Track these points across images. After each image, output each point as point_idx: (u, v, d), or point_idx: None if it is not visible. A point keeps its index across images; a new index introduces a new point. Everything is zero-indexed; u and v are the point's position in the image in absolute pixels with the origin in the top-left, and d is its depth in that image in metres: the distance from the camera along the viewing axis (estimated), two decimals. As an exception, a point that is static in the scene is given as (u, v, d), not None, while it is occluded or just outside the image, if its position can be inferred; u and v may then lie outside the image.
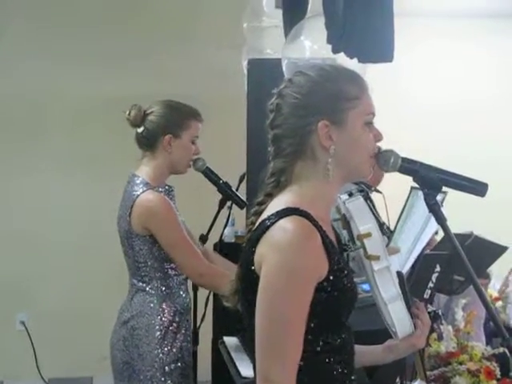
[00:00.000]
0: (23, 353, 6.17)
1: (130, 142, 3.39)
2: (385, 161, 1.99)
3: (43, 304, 6.20)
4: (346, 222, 2.03)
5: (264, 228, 1.85)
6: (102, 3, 6.31)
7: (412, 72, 6.66)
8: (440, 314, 3.24)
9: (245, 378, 3.15)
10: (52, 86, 6.22)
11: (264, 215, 1.90)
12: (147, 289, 3.28)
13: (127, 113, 3.34)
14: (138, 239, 3.24)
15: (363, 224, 1.99)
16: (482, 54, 6.88)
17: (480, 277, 3.56)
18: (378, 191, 3.49)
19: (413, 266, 2.78)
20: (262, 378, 1.81)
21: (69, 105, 6.27)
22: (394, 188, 3.25)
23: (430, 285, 2.76)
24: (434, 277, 2.76)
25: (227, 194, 3.70)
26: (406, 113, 6.61)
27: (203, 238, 3.74)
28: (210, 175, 3.67)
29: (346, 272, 1.89)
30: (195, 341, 3.70)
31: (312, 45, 3.86)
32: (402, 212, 3.09)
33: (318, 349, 1.87)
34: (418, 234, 2.79)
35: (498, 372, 3.02)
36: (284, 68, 3.85)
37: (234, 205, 3.85)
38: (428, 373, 2.57)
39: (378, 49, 3.16)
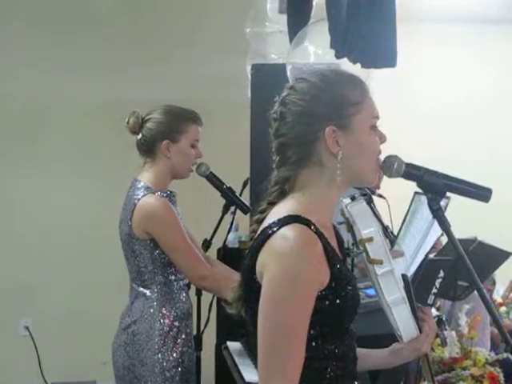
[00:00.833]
0: (27, 357, 6.18)
1: (132, 147, 3.40)
2: (388, 166, 1.99)
3: (47, 309, 6.20)
4: (349, 225, 2.03)
5: (265, 236, 1.85)
6: (105, 8, 6.31)
7: (416, 76, 6.66)
8: (444, 319, 3.24)
9: (248, 382, 3.15)
10: (54, 91, 6.22)
11: (265, 223, 1.90)
12: (147, 294, 3.27)
13: (126, 120, 3.35)
14: (138, 243, 3.24)
15: (365, 228, 1.98)
16: (486, 59, 6.88)
17: (483, 282, 3.56)
18: (381, 196, 3.48)
19: (416, 272, 2.77)
20: None
21: (71, 109, 6.27)
22: (398, 193, 3.25)
23: (434, 290, 2.75)
24: (438, 282, 2.76)
25: (231, 199, 3.71)
26: (410, 116, 6.61)
27: (207, 243, 3.74)
28: (213, 180, 3.68)
29: (348, 279, 1.89)
30: (199, 346, 3.71)
31: (316, 50, 3.86)
32: (405, 217, 3.09)
33: (321, 356, 1.87)
34: (421, 240, 2.79)
35: (501, 377, 3.01)
36: (288, 73, 3.84)
37: (237, 210, 3.85)
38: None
39: (381, 54, 3.16)
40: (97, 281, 6.14)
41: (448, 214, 2.00)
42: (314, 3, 4.16)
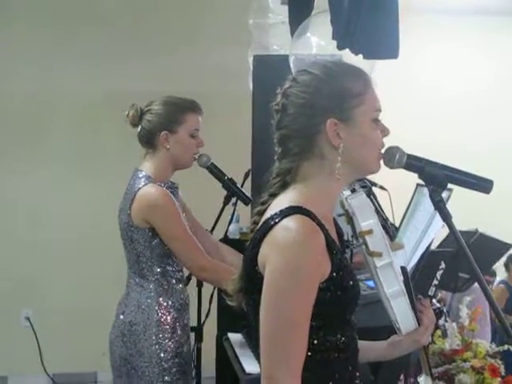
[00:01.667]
0: (28, 348, 6.19)
1: (134, 140, 3.39)
2: (390, 157, 1.99)
3: (48, 300, 6.22)
4: (349, 217, 2.03)
5: (267, 228, 1.84)
6: (107, 1, 6.31)
7: (418, 68, 6.65)
8: (445, 311, 3.24)
9: (249, 374, 3.15)
10: (56, 84, 6.24)
11: (267, 214, 1.89)
12: (144, 284, 3.27)
13: (126, 113, 3.35)
14: (137, 232, 3.23)
15: (365, 220, 1.98)
16: (489, 51, 6.87)
17: (485, 274, 3.55)
18: (383, 188, 3.48)
19: (418, 263, 2.77)
20: (266, 377, 1.80)
21: (72, 103, 6.29)
22: (399, 185, 3.24)
23: (435, 282, 2.75)
24: (439, 274, 2.76)
25: (232, 191, 3.70)
26: (413, 108, 6.61)
27: (208, 234, 3.74)
28: (214, 171, 3.67)
29: (348, 270, 1.89)
30: (199, 337, 3.71)
31: (319, 41, 3.85)
32: (407, 209, 3.08)
33: (323, 347, 1.87)
34: (423, 231, 2.78)
35: (502, 369, 3.02)
36: (291, 64, 3.84)
37: (238, 201, 3.85)
38: (432, 370, 2.56)
39: (383, 45, 3.15)
40: (97, 272, 6.15)
41: (449, 206, 2.00)
42: (316, -6, 4.16)
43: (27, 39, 6.22)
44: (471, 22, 6.70)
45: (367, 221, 1.98)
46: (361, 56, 3.22)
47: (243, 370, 3.21)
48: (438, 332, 3.05)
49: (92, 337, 5.75)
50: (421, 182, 2.05)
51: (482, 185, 2.02)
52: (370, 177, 2.97)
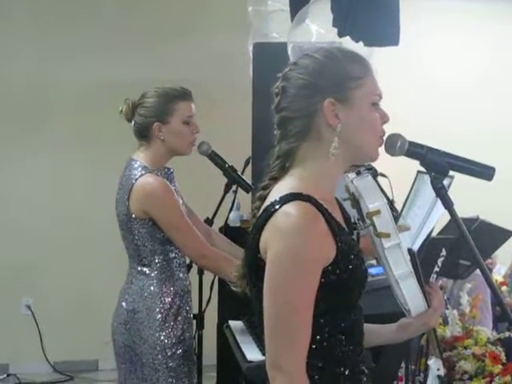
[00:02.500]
0: (29, 336, 6.20)
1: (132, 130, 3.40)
2: (391, 145, 1.99)
3: (49, 288, 6.23)
4: (355, 200, 2.02)
5: (268, 214, 1.84)
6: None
7: (420, 54, 6.64)
8: (445, 298, 3.24)
9: (250, 361, 3.15)
10: (54, 73, 6.22)
11: (268, 201, 1.89)
12: (147, 272, 3.27)
13: (119, 109, 3.35)
14: (136, 222, 3.24)
15: (372, 202, 1.98)
16: (496, 38, 6.84)
17: (485, 260, 3.56)
18: (383, 175, 3.47)
19: (419, 251, 2.77)
20: (272, 364, 1.81)
21: (71, 90, 6.26)
22: (399, 172, 3.24)
23: (436, 269, 2.75)
24: (440, 261, 2.76)
25: (233, 178, 3.70)
26: (415, 95, 6.59)
27: (208, 222, 3.74)
28: (215, 159, 3.67)
29: (354, 252, 1.88)
30: (200, 325, 3.71)
31: (318, 28, 3.85)
32: (407, 196, 3.08)
33: (330, 332, 1.87)
34: (424, 219, 2.78)
35: (503, 356, 3.03)
36: (289, 52, 3.84)
37: (239, 189, 3.85)
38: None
39: (384, 32, 3.15)
40: (98, 260, 6.15)
41: (450, 193, 2.00)
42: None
43: (27, 27, 6.20)
44: (475, 9, 6.67)
45: (374, 202, 1.98)
46: (361, 43, 3.22)
47: (244, 358, 3.21)
48: (439, 319, 3.05)
49: (93, 325, 5.78)
50: (422, 168, 2.05)
51: (484, 172, 2.02)
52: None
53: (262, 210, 1.90)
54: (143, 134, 3.32)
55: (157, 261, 3.26)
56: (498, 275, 5.42)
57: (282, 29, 4.72)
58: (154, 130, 3.27)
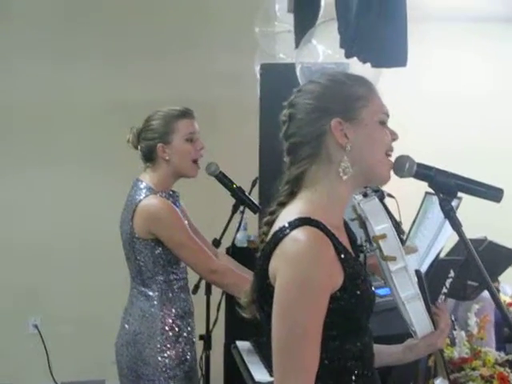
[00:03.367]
0: (36, 356, 6.19)
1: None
2: (400, 166, 1.99)
3: (56, 308, 6.21)
4: (362, 222, 2.03)
5: (276, 240, 1.84)
6: (112, 7, 6.32)
7: (427, 76, 6.66)
8: (452, 319, 3.23)
9: (258, 382, 3.15)
10: (59, 90, 6.22)
11: (276, 226, 1.89)
12: (148, 293, 3.29)
13: (127, 138, 3.41)
14: (139, 243, 3.25)
15: (378, 225, 1.98)
16: (496, 59, 6.87)
17: (493, 282, 3.55)
18: (390, 196, 3.48)
19: (427, 272, 2.77)
20: None
21: (75, 108, 6.27)
22: (407, 193, 3.25)
23: (444, 290, 2.75)
24: (448, 282, 2.76)
25: (241, 199, 3.71)
26: (421, 113, 6.61)
27: (216, 243, 3.74)
28: (223, 180, 3.69)
29: (362, 277, 1.89)
30: (208, 345, 3.71)
31: (325, 49, 3.86)
32: (415, 217, 3.09)
33: (341, 356, 1.87)
34: (432, 240, 2.78)
35: (511, 378, 3.01)
36: (298, 73, 3.85)
37: (246, 209, 3.85)
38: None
39: (392, 53, 3.16)
40: (106, 279, 6.14)
41: (458, 214, 2.00)
42: (322, 3, 4.16)
43: (38, 40, 6.21)
44: (479, 29, 6.70)
45: (380, 225, 1.98)
46: (368, 64, 3.23)
47: (252, 378, 3.21)
48: (447, 340, 3.04)
49: (100, 345, 5.73)
50: (429, 190, 2.05)
51: (492, 193, 2.03)
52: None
53: (270, 236, 1.90)
54: (149, 157, 3.35)
55: (158, 282, 3.27)
56: (503, 296, 5.40)
57: (289, 50, 4.73)
58: (158, 152, 3.30)
